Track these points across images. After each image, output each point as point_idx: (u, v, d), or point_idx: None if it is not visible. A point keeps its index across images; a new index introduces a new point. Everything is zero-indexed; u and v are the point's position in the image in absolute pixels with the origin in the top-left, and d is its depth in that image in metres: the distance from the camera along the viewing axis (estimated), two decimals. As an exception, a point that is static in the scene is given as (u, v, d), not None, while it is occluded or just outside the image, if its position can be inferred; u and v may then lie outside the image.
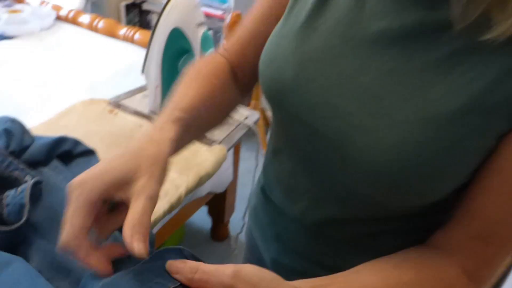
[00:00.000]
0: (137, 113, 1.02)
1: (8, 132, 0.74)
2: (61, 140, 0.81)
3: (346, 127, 0.44)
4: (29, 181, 0.63)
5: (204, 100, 0.52)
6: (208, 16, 2.01)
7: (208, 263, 0.38)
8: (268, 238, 0.63)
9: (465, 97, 0.39)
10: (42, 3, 1.70)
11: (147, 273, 0.40)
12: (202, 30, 0.97)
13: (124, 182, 0.40)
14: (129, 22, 2.47)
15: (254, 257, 0.69)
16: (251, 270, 0.36)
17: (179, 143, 0.47)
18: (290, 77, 0.47)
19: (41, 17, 1.55)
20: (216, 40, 1.95)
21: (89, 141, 0.80)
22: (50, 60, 1.37)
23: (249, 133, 1.05)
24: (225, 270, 0.36)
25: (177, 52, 0.98)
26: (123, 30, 1.50)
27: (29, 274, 0.44)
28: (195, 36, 0.94)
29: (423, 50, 0.41)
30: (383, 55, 0.42)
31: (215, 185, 1.48)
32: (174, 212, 1.09)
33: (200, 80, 0.55)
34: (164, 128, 0.45)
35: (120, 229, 0.42)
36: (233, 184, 1.55)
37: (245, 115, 1.10)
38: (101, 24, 1.55)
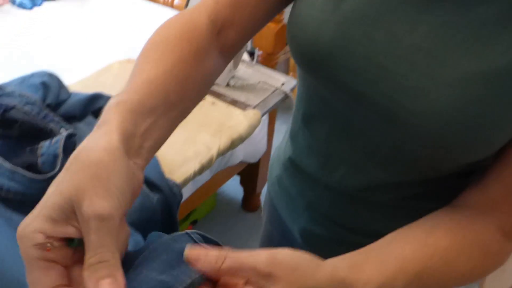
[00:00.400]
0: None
1: (45, 86, 0.75)
2: (96, 97, 0.82)
3: (396, 90, 0.42)
4: (63, 133, 0.64)
5: (168, 72, 0.41)
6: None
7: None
8: (297, 209, 0.62)
9: None
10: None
11: (153, 271, 0.33)
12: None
13: (68, 212, 0.30)
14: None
15: (277, 230, 0.67)
16: (287, 253, 0.33)
17: (141, 129, 0.36)
18: (329, 40, 0.44)
19: (83, -20, 1.57)
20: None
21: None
22: (90, 22, 1.39)
23: (284, 106, 1.03)
24: (258, 257, 0.32)
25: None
26: (163, -5, 1.50)
27: None
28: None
29: (482, 2, 0.37)
30: (436, 9, 0.39)
31: (248, 154, 1.47)
32: (205, 179, 1.09)
33: (163, 48, 0.43)
34: (105, 120, 0.35)
35: None
36: (266, 155, 1.54)
37: (281, 81, 1.08)
38: (141, -12, 1.55)
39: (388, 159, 0.48)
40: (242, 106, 0.95)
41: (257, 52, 1.42)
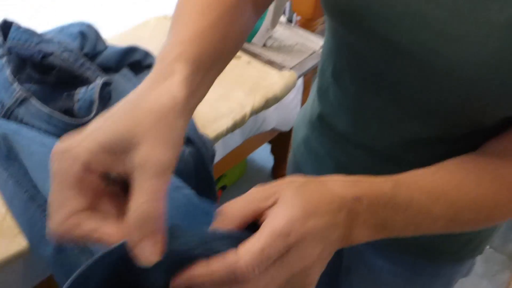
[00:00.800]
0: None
1: (83, 35, 0.75)
2: (132, 50, 0.82)
3: (435, 38, 0.39)
4: (100, 81, 0.64)
5: (213, 26, 0.40)
6: None
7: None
8: (325, 170, 0.60)
9: None
10: None
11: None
12: None
13: (120, 149, 0.29)
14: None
15: None
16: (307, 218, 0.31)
17: (196, 85, 0.35)
18: None
19: None
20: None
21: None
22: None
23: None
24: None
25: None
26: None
27: None
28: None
29: None
30: None
31: (280, 121, 1.46)
32: (236, 144, 1.09)
33: (203, 2, 0.41)
34: (167, 70, 0.33)
35: None
36: (299, 123, 1.52)
37: (320, 44, 1.05)
38: None
39: (425, 113, 0.45)
40: (278, 67, 0.93)
41: (296, 18, 1.38)
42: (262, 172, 1.93)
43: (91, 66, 0.69)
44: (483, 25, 0.36)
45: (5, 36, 0.68)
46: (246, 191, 0.33)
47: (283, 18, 1.20)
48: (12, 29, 0.67)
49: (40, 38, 0.68)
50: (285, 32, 1.10)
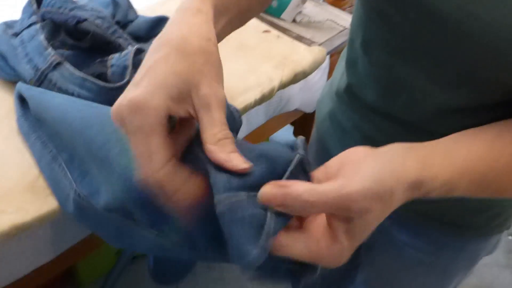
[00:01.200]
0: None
1: (115, 3, 0.75)
2: (162, 20, 0.82)
3: (472, 0, 0.38)
4: (133, 47, 0.64)
5: None
6: None
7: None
8: (351, 143, 0.60)
9: None
10: None
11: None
12: None
13: (186, 93, 0.32)
14: None
15: None
16: (358, 189, 0.33)
17: (219, 29, 0.37)
18: None
19: None
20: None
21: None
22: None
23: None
24: (345, 196, 0.31)
25: None
26: None
27: None
28: None
29: None
30: None
31: (304, 102, 1.45)
32: (260, 123, 1.08)
33: None
34: (198, 8, 0.35)
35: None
36: (322, 104, 1.50)
37: (350, 22, 1.03)
38: None
39: (458, 82, 0.44)
40: (307, 42, 0.92)
41: (325, -4, 1.36)
42: (284, 154, 1.91)
43: (123, 34, 0.69)
44: None
45: (39, 3, 0.69)
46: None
47: (312, -5, 1.18)
48: (46, -5, 0.68)
49: (74, 4, 0.69)
50: (315, 9, 1.09)
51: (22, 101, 0.60)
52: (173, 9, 1.00)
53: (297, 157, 0.35)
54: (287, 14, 0.98)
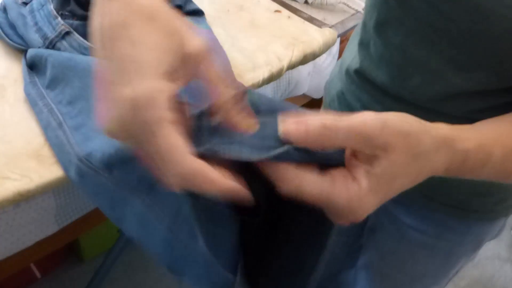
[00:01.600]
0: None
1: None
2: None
3: None
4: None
5: None
6: None
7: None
8: None
9: None
10: None
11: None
12: None
13: (177, 59, 0.29)
14: None
15: None
16: (398, 120, 0.31)
17: None
18: None
19: None
20: None
21: (199, 2, 0.79)
22: None
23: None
24: (370, 125, 0.30)
25: None
26: None
27: None
28: None
29: None
30: None
31: (313, 87, 1.44)
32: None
33: None
34: None
35: None
36: (331, 90, 1.49)
37: (363, 6, 1.01)
38: None
39: (472, 64, 0.43)
40: (319, 24, 0.91)
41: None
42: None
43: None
44: None
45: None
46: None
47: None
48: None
49: (84, -26, 0.68)
50: (328, -9, 1.07)
51: (30, 68, 0.60)
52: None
53: None
54: (299, -5, 0.97)
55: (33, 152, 0.53)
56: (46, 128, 0.55)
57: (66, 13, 0.66)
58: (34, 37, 0.64)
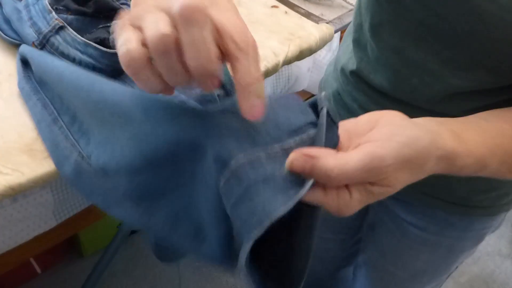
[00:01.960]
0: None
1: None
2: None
3: None
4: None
5: None
6: None
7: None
8: None
9: None
10: None
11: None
12: None
13: None
14: None
15: None
16: (399, 145, 0.32)
17: None
18: None
19: None
20: None
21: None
22: None
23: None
24: (375, 160, 0.31)
25: None
26: None
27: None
28: None
29: None
30: None
31: (312, 83, 1.43)
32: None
33: None
34: None
35: None
36: (331, 86, 1.49)
37: (360, 1, 1.00)
38: None
39: (471, 65, 0.43)
40: (316, 19, 0.90)
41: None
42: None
43: (127, 1, 0.68)
44: None
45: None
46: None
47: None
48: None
49: (78, -31, 0.68)
50: (326, -14, 1.06)
51: (24, 63, 0.60)
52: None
53: (324, 109, 0.34)
54: (297, -10, 0.97)
55: (25, 147, 0.53)
56: (39, 123, 0.55)
57: (61, 7, 0.66)
58: (28, 31, 0.64)
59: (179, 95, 0.40)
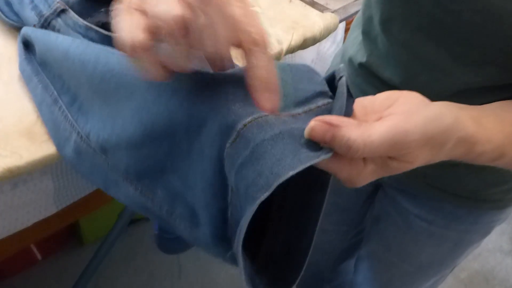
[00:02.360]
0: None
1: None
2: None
3: None
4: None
5: None
6: None
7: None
8: None
9: None
10: None
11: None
12: None
13: None
14: None
15: None
16: (421, 121, 0.31)
17: None
18: None
19: None
20: None
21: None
22: None
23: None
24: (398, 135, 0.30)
25: None
26: None
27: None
28: None
29: None
30: None
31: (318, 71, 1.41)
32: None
33: None
34: None
35: None
36: (336, 77, 1.47)
37: (366, -9, 0.99)
38: None
39: (483, 61, 0.42)
40: (321, 8, 0.89)
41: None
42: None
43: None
44: None
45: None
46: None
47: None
48: None
49: (81, -48, 0.67)
50: (332, -24, 1.05)
51: (26, 46, 0.59)
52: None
53: (343, 78, 0.33)
54: (302, -21, 0.96)
55: (24, 130, 0.53)
56: (40, 104, 0.54)
57: (63, -9, 0.66)
58: (30, 14, 0.63)
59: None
